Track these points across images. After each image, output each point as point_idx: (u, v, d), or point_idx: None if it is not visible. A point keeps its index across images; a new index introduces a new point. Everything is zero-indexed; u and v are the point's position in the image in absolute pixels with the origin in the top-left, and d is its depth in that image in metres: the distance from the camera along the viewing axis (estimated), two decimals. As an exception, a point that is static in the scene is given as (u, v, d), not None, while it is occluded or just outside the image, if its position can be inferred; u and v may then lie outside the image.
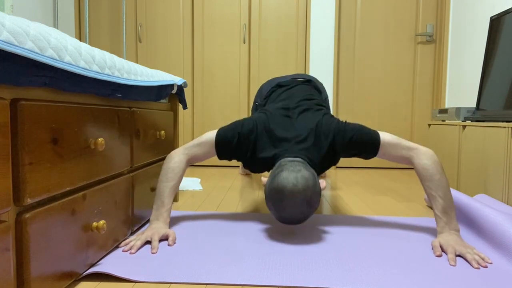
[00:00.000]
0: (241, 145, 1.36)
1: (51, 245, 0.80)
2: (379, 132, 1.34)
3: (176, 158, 1.35)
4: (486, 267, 1.06)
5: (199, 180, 2.46)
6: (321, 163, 1.35)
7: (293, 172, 1.18)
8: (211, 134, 1.38)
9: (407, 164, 1.32)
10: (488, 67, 2.01)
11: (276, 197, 1.18)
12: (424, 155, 1.27)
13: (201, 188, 2.21)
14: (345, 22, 3.22)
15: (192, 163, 1.40)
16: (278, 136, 1.35)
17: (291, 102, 1.48)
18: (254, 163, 1.40)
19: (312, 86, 1.73)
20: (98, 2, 3.22)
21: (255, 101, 2.15)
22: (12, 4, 2.28)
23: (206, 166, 3.26)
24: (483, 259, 1.09)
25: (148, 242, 1.21)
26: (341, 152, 1.34)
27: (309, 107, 1.45)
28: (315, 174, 1.24)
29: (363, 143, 1.32)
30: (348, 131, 1.32)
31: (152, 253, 1.12)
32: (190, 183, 2.33)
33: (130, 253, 1.12)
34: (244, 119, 1.40)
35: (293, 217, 1.20)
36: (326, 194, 2.11)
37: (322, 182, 1.28)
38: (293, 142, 1.34)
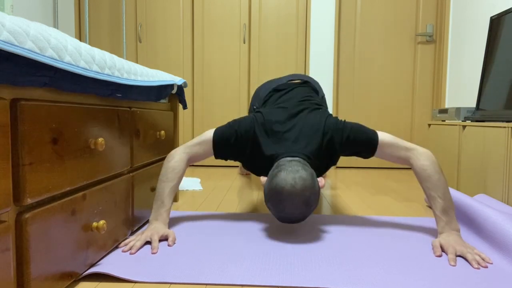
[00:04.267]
0: (239, 144, 1.36)
1: (51, 245, 0.80)
2: (377, 132, 1.34)
3: (177, 157, 1.35)
4: (486, 267, 1.06)
5: (199, 180, 2.46)
6: (320, 162, 1.35)
7: (291, 173, 1.18)
8: (210, 133, 1.38)
9: (405, 164, 1.33)
10: (488, 67, 2.01)
11: (275, 198, 1.18)
12: (422, 156, 1.28)
13: (201, 188, 2.21)
14: (345, 22, 3.21)
15: (193, 162, 1.40)
16: (277, 133, 1.35)
17: (290, 103, 1.48)
18: (254, 164, 1.39)
19: (309, 87, 1.73)
20: (98, 2, 3.22)
21: (252, 105, 2.14)
22: (12, 4, 2.28)
23: (206, 166, 3.26)
24: (483, 259, 1.09)
25: (148, 243, 1.21)
26: (339, 151, 1.34)
27: (307, 106, 1.45)
28: (314, 173, 1.24)
29: (360, 142, 1.32)
30: (346, 130, 1.33)
31: (153, 253, 1.12)
32: (190, 183, 2.33)
33: (130, 253, 1.12)
34: (242, 118, 1.40)
35: (292, 217, 1.20)
36: (326, 194, 2.11)
37: (321, 180, 1.28)
38: (292, 141, 1.33)
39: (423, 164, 1.26)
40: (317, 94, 1.75)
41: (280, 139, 1.34)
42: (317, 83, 2.07)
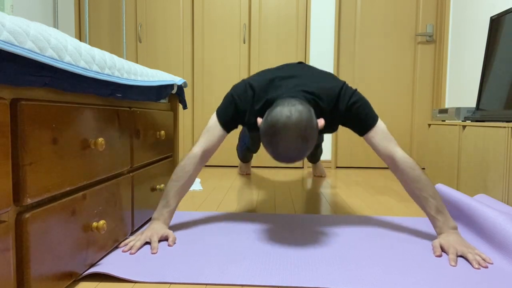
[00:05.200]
0: (241, 104, 1.32)
1: (51, 245, 0.80)
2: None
3: (190, 153, 1.33)
4: (486, 267, 1.05)
5: (199, 180, 2.46)
6: (321, 114, 1.29)
7: (287, 106, 1.12)
8: (213, 116, 1.37)
9: (387, 159, 1.29)
10: (488, 67, 2.01)
11: (269, 131, 1.12)
12: (407, 157, 1.27)
13: (201, 188, 2.21)
14: (345, 22, 3.21)
15: (210, 152, 1.36)
16: (277, 77, 1.31)
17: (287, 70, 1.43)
18: (257, 120, 1.34)
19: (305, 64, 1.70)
20: (98, 2, 3.22)
21: None
22: (12, 4, 2.28)
23: (206, 166, 3.26)
24: (484, 259, 1.09)
25: (148, 243, 1.21)
26: (342, 114, 1.30)
27: (309, 68, 1.42)
28: (312, 110, 1.17)
29: (362, 115, 1.29)
30: (355, 96, 1.29)
31: (152, 253, 1.12)
32: (190, 183, 2.32)
33: (130, 254, 1.12)
34: (235, 84, 1.38)
35: (288, 153, 1.12)
36: (326, 193, 2.11)
37: (320, 121, 1.20)
38: (294, 83, 1.28)
39: (412, 163, 1.25)
40: None
41: (281, 80, 1.30)
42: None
